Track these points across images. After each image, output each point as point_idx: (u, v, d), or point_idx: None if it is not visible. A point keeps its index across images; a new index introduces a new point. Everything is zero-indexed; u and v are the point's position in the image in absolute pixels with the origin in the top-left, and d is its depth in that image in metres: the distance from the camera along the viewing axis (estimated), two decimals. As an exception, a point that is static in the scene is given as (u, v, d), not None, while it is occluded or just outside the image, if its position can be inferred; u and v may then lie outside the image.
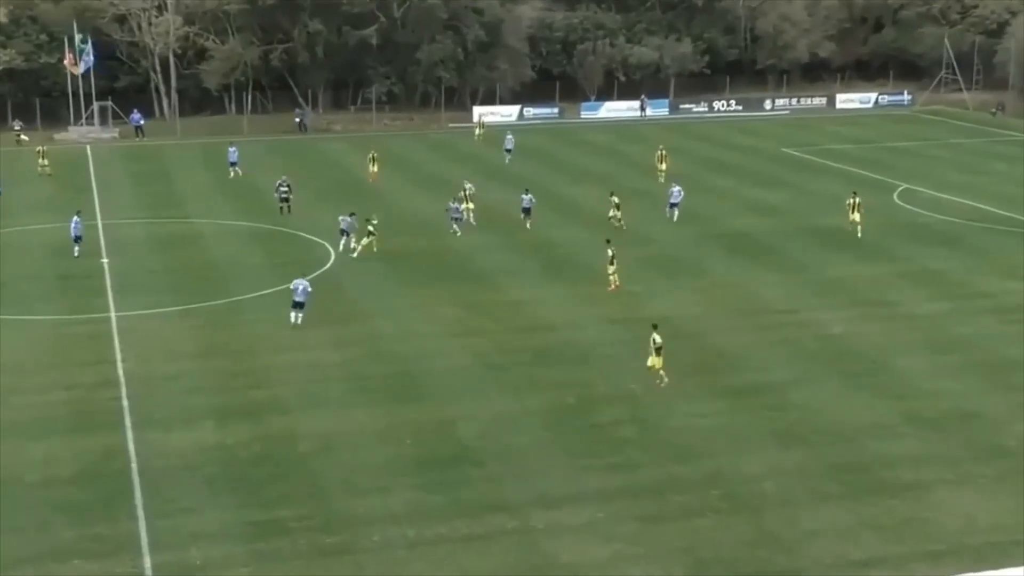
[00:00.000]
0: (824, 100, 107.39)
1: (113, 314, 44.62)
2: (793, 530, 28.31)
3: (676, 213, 59.45)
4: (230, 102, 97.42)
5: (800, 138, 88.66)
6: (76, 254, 52.31)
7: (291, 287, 43.33)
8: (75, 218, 53.14)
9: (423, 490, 30.23)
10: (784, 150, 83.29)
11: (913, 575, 26.38)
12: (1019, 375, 38.29)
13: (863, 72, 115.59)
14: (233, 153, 72.67)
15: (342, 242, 53.72)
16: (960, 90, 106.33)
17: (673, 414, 35.21)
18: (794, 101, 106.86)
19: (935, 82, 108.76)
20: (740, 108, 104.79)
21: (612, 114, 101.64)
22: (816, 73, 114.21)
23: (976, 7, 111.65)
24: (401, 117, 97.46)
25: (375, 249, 52.72)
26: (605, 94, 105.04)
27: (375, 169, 70.20)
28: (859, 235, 55.53)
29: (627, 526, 28.53)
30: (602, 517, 28.91)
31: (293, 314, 42.69)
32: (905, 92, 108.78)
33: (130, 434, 33.56)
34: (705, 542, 27.82)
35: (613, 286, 47.67)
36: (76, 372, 38.53)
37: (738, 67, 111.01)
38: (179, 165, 77.42)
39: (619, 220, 56.95)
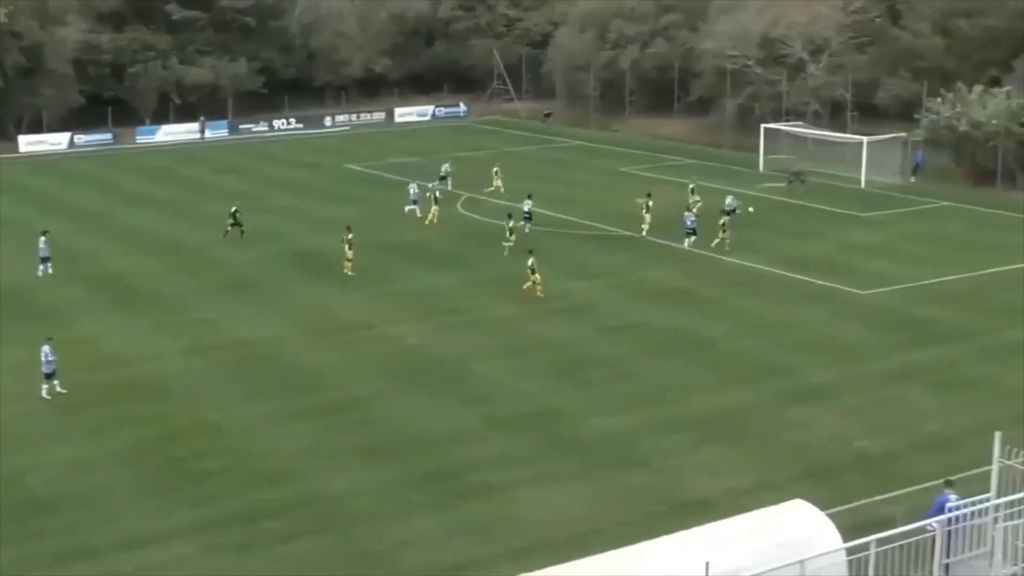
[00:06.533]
0: (383, 115, 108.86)
1: None
2: (385, 543, 28.39)
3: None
4: None
5: (363, 153, 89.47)
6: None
7: None
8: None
9: (-5, 546, 28.30)
10: (348, 166, 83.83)
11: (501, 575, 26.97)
12: (589, 371, 39.96)
13: (419, 85, 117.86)
14: None
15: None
16: (512, 100, 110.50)
17: (258, 439, 34.61)
18: (354, 117, 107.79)
19: (488, 93, 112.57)
20: (301, 126, 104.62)
21: (170, 137, 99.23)
22: (374, 88, 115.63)
23: (521, 20, 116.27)
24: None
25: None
26: (161, 117, 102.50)
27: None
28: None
29: (220, 558, 27.77)
30: (193, 552, 28.03)
31: None
32: (461, 104, 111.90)
33: None
34: (300, 565, 27.44)
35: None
36: None
37: (297, 85, 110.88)
38: None
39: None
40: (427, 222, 61.75)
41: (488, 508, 30.08)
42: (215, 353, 42.29)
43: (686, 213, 57.21)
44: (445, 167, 72.92)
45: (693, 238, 56.04)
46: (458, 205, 66.99)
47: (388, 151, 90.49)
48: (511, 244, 55.24)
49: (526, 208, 59.92)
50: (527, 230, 58.24)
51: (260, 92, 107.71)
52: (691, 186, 64.78)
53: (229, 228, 59.31)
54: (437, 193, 63.14)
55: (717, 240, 55.49)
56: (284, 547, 28.28)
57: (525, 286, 48.50)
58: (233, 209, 60.06)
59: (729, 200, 61.35)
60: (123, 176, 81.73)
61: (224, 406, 37.14)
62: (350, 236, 52.74)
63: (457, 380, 39.39)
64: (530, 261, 48.57)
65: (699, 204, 60.93)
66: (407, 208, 64.45)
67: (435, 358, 41.65)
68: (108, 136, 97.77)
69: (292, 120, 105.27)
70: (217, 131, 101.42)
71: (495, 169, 71.51)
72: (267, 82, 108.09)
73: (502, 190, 69.01)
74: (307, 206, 68.49)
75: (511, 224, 56.08)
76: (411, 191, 64.87)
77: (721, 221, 56.41)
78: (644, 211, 59.17)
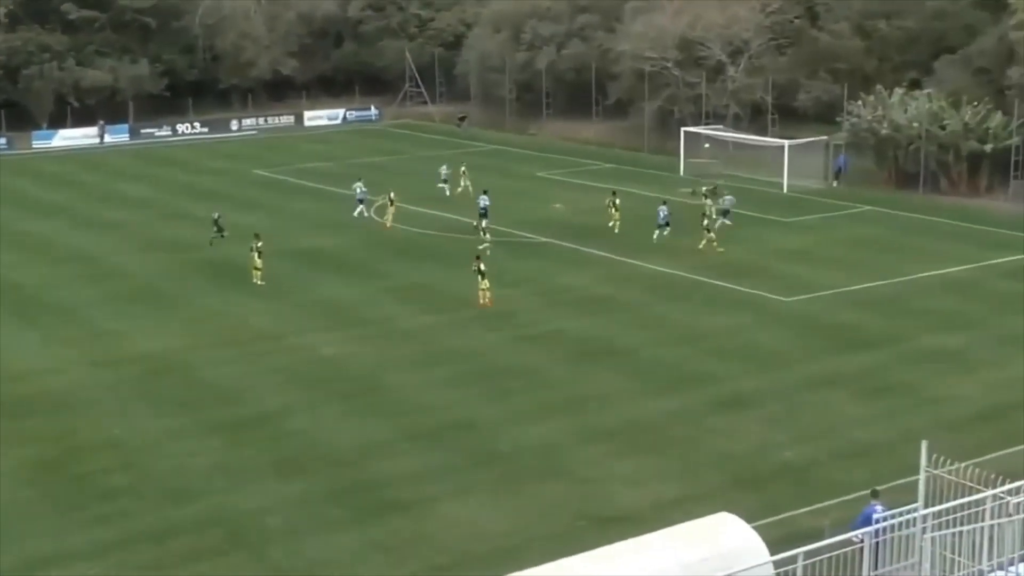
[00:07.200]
0: (292, 118, 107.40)
1: None
2: (300, 560, 27.49)
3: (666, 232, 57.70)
4: None
5: (271, 158, 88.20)
6: None
7: None
8: None
9: None
10: (257, 171, 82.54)
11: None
12: (507, 380, 39.26)
13: (329, 88, 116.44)
14: None
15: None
16: (425, 103, 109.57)
17: (165, 455, 33.45)
18: (262, 120, 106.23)
19: (400, 96, 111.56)
20: (206, 130, 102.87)
21: (68, 142, 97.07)
22: (282, 91, 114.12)
23: (433, 20, 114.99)
24: None
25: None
26: (58, 121, 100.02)
27: None
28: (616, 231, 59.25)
29: (128, 579, 26.77)
30: (99, 572, 27.00)
31: None
32: (373, 107, 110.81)
33: None
34: (210, 586, 26.50)
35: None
36: None
37: (201, 87, 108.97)
38: None
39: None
40: (388, 224, 61.97)
41: (406, 523, 29.25)
42: (119, 366, 41.02)
43: (660, 207, 57.46)
44: (443, 169, 72.08)
45: (663, 231, 56.75)
46: (371, 212, 65.92)
47: (298, 156, 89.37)
48: (488, 244, 54.86)
49: (482, 204, 60.15)
50: (484, 224, 58.46)
51: (162, 95, 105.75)
52: (704, 189, 64.69)
53: (214, 236, 57.68)
54: (392, 195, 62.67)
55: (704, 242, 55.58)
56: (195, 566, 27.31)
57: (482, 301, 47.48)
58: (216, 216, 58.75)
59: (729, 198, 61.86)
60: (19, 182, 79.81)
61: (129, 421, 35.93)
62: (259, 244, 51.52)
63: (372, 392, 38.47)
64: (480, 266, 47.59)
65: (711, 208, 60.84)
66: (356, 211, 63.67)
67: (349, 369, 40.68)
68: (2, 141, 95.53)
69: (197, 124, 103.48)
70: (117, 135, 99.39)
71: (462, 169, 71.04)
72: (170, 84, 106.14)
73: (471, 190, 68.01)
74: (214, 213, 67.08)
75: (484, 224, 57.12)
76: (357, 191, 63.98)
77: (714, 223, 56.75)
78: (612, 210, 59.93)
